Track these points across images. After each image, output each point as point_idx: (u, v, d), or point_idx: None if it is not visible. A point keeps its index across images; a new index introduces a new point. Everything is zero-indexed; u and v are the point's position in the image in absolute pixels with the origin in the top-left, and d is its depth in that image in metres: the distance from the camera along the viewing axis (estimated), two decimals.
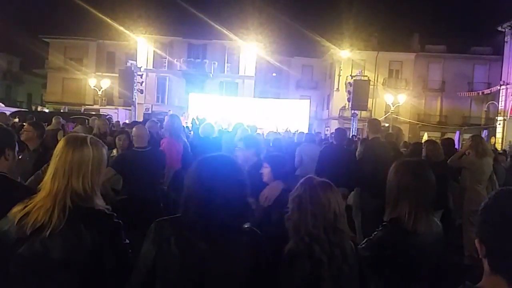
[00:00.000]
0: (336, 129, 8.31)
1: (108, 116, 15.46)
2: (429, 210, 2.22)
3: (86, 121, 12.71)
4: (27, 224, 1.67)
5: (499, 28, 28.35)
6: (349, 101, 17.22)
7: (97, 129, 7.80)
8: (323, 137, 16.22)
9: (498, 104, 28.63)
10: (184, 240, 1.66)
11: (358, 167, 6.21)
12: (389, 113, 28.91)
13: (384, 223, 2.18)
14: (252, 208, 1.81)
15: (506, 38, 28.21)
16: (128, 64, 17.34)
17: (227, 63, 36.13)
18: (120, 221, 1.86)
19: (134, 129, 4.89)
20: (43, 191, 1.75)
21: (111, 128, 9.58)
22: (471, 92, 33.71)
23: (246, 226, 1.80)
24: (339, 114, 34.57)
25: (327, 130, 28.56)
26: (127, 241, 1.88)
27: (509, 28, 27.69)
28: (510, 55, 27.77)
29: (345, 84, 17.97)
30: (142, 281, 1.69)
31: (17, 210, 1.72)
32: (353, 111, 17.32)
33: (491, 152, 6.16)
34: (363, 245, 2.13)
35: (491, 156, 6.12)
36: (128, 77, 16.68)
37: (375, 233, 2.16)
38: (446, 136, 21.58)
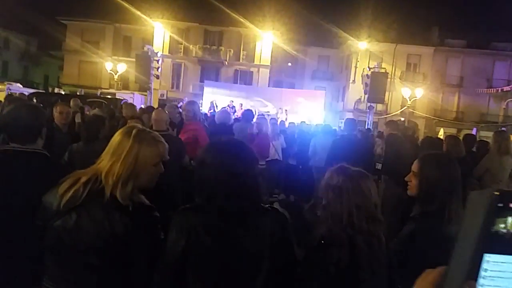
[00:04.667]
0: (346, 119, 8.29)
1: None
2: (459, 204, 2.18)
3: (103, 104, 12.78)
4: (66, 197, 1.66)
5: None
6: (365, 94, 16.94)
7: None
8: (337, 130, 16.09)
9: None
10: (212, 227, 1.64)
11: (371, 158, 6.29)
12: (405, 107, 28.57)
13: (414, 216, 2.16)
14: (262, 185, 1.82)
15: None
16: (145, 49, 17.26)
17: (243, 51, 35.95)
18: (158, 214, 1.84)
19: (153, 113, 4.89)
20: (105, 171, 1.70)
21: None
22: (490, 89, 33.07)
23: (267, 206, 1.81)
24: (354, 106, 34.25)
25: (341, 123, 28.31)
26: (163, 236, 1.83)
27: None
28: None
29: (362, 76, 17.77)
30: (172, 271, 1.66)
31: (65, 185, 1.71)
32: (369, 104, 17.09)
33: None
34: (395, 240, 2.11)
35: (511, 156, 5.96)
36: (144, 62, 16.60)
37: (405, 227, 2.15)
38: (462, 133, 21.26)
